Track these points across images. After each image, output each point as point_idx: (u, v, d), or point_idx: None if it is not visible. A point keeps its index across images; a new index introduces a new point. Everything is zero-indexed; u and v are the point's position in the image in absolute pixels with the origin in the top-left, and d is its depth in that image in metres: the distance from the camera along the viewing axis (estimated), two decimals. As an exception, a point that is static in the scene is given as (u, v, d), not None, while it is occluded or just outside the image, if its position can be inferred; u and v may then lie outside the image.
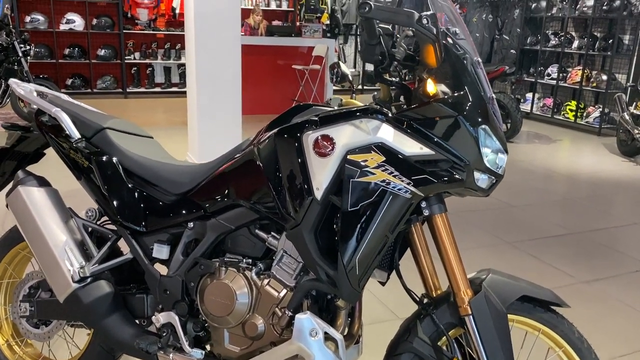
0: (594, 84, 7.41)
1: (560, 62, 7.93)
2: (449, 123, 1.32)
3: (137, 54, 9.08)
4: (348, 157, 1.35)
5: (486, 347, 1.38)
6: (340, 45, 10.23)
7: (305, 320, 1.41)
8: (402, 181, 1.32)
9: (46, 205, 1.73)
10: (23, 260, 2.01)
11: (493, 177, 1.36)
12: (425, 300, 1.50)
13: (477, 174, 1.33)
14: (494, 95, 1.42)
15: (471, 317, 1.39)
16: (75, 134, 1.73)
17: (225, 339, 1.56)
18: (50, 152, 2.07)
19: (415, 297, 1.53)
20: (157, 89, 9.29)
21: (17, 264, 2.00)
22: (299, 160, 1.40)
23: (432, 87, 1.31)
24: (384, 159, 1.33)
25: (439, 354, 1.42)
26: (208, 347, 1.65)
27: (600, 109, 7.31)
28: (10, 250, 1.95)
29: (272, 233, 1.54)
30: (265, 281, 1.51)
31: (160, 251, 1.66)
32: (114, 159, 1.69)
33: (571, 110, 7.74)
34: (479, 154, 1.32)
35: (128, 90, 9.07)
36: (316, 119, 1.40)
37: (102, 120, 1.77)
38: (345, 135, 1.36)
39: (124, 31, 8.90)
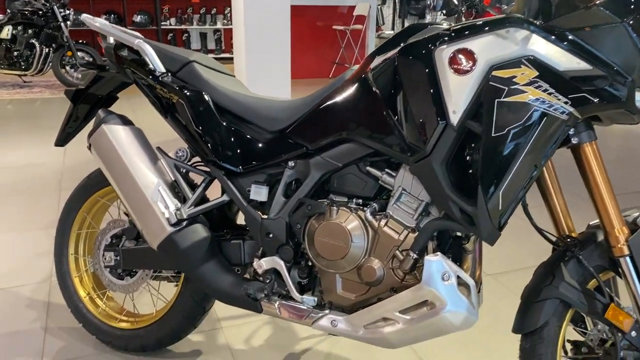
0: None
1: None
2: (610, 32, 1.12)
3: (172, 20, 8.93)
4: (493, 73, 1.17)
5: (647, 292, 1.21)
6: (379, 7, 9.89)
7: (437, 262, 1.25)
8: (559, 100, 1.14)
9: (133, 145, 1.60)
10: (102, 209, 1.89)
11: None
12: (568, 241, 1.32)
13: (637, 94, 1.14)
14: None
15: (628, 258, 1.22)
16: (161, 67, 1.59)
17: (338, 286, 1.42)
18: (122, 95, 1.94)
19: (549, 238, 1.36)
20: (194, 55, 9.14)
21: (95, 213, 1.88)
22: (431, 80, 1.23)
23: (596, -14, 1.11)
24: (537, 74, 1.14)
25: (590, 299, 1.25)
26: (309, 295, 1.50)
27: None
28: (89, 198, 1.84)
29: (387, 170, 1.38)
30: (383, 222, 1.35)
31: (259, 193, 1.51)
32: (205, 94, 1.54)
33: None
34: None
35: (165, 57, 8.95)
36: (449, 32, 1.22)
37: (187, 54, 1.63)
38: (488, 48, 1.18)
39: (160, -4, 8.74)
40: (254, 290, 1.43)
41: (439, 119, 1.22)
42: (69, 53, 6.61)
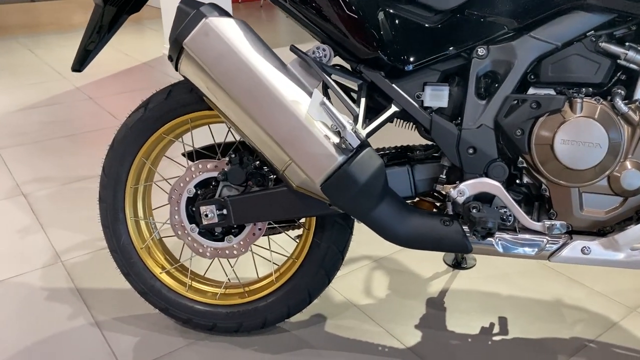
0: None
1: None
2: None
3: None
4: None
5: None
6: None
7: None
8: None
9: (256, 44, 1.09)
10: (162, 152, 1.36)
11: None
12: None
13: None
14: None
15: None
16: None
17: (579, 203, 1.09)
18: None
19: None
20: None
21: (156, 157, 1.35)
22: None
23: None
24: None
25: None
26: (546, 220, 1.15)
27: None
28: (151, 137, 1.30)
29: (630, 44, 1.05)
30: (643, 111, 1.04)
31: (438, 96, 1.12)
32: (347, -38, 1.07)
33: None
34: None
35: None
36: None
37: None
38: None
39: None
40: (494, 223, 1.05)
41: None
42: None
